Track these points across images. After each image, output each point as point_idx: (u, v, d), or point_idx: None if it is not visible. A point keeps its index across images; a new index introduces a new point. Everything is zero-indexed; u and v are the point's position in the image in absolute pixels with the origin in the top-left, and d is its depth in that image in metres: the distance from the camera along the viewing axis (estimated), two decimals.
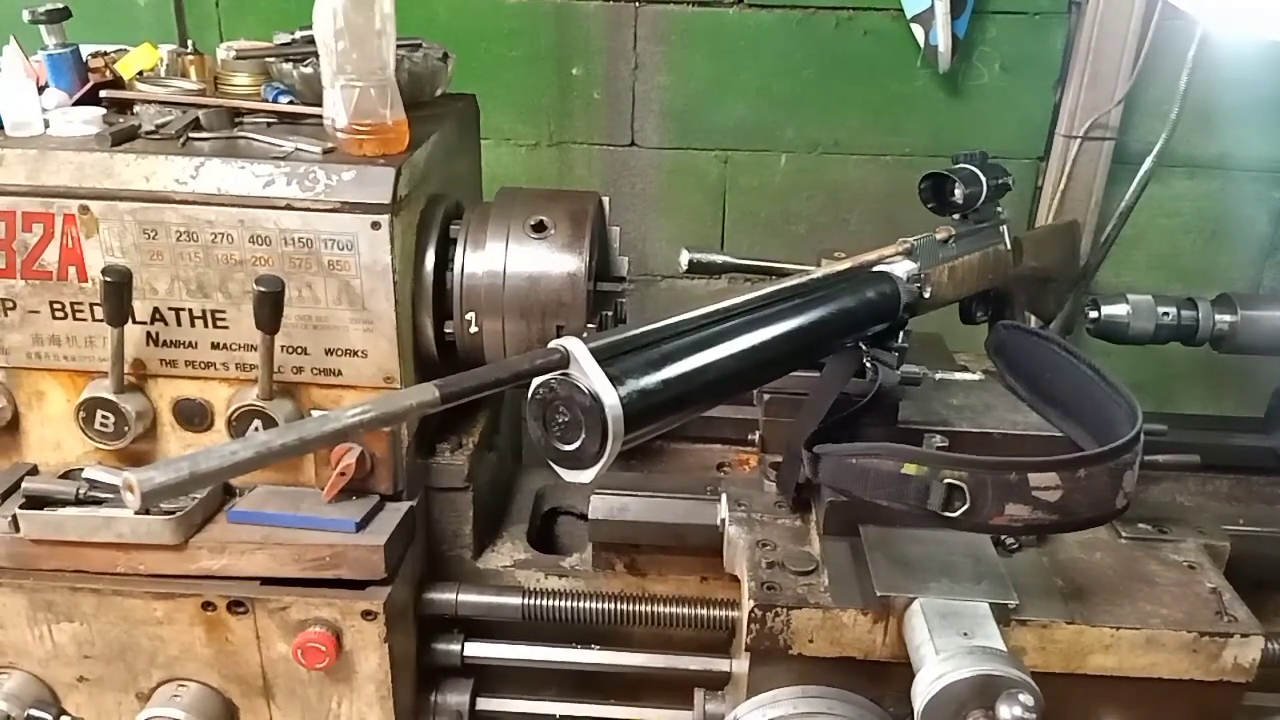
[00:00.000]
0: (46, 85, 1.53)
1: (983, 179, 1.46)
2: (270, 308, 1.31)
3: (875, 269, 1.25)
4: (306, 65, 1.56)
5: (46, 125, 1.43)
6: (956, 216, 1.50)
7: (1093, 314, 1.57)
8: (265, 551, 1.40)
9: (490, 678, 1.66)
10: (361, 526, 1.42)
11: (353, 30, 1.33)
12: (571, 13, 2.26)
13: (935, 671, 1.10)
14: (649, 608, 1.52)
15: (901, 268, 1.27)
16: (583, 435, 0.77)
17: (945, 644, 1.14)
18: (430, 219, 1.48)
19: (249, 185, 1.33)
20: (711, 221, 2.44)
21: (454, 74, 1.75)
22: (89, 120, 1.43)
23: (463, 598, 1.56)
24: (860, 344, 1.27)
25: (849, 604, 1.25)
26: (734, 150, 2.37)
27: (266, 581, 1.42)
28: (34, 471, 1.49)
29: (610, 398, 0.76)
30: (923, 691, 1.10)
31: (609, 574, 1.62)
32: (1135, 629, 1.23)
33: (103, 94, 1.53)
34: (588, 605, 1.54)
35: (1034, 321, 1.82)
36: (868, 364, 1.22)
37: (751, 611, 1.25)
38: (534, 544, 1.73)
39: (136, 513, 1.38)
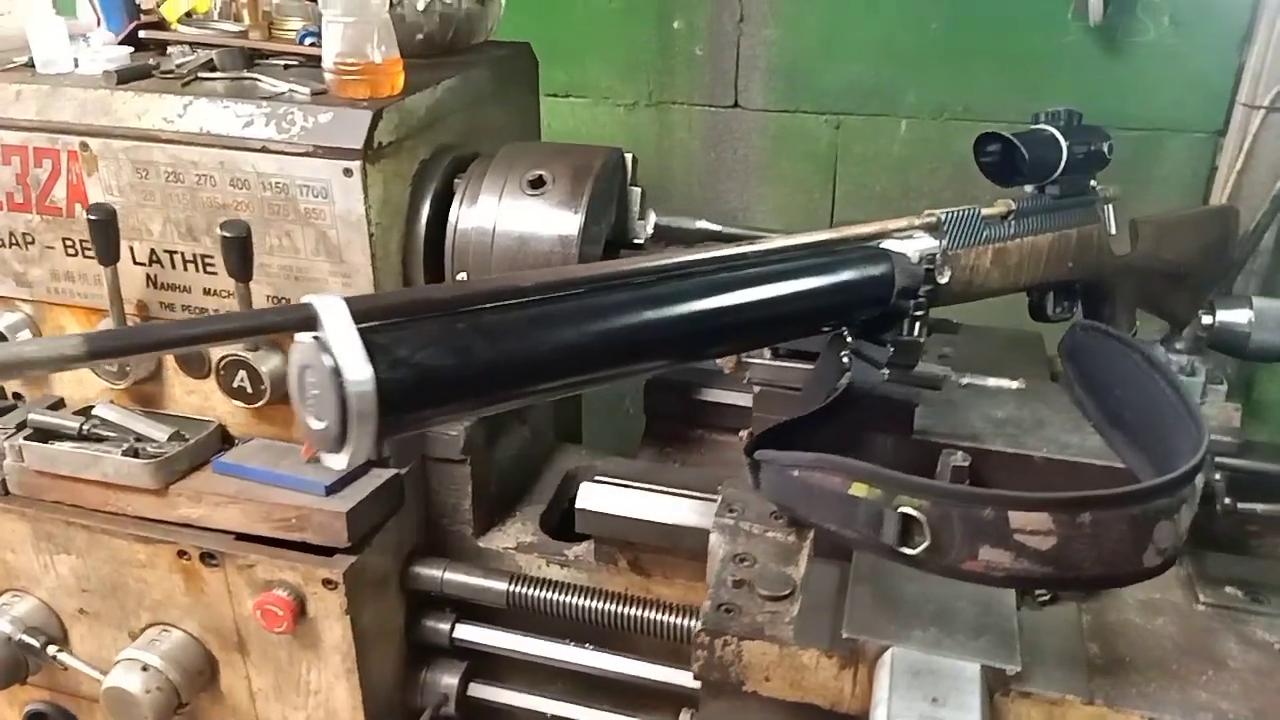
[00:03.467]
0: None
1: (1062, 144, 1.19)
2: (237, 253, 1.26)
3: (876, 244, 1.03)
4: None
5: (76, 64, 1.45)
6: (1030, 189, 1.24)
7: (1206, 319, 1.26)
8: (238, 506, 1.36)
9: (491, 664, 1.57)
10: (332, 490, 1.35)
11: None
12: None
13: None
14: (630, 610, 1.38)
15: (916, 245, 1.05)
16: (330, 413, 0.64)
17: (902, 709, 0.93)
18: (432, 170, 1.38)
19: (229, 125, 1.28)
20: (820, 193, 2.21)
21: (501, 19, 1.65)
22: (113, 59, 1.43)
23: (449, 576, 1.47)
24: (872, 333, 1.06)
25: (811, 642, 1.05)
26: (847, 114, 2.13)
27: (241, 537, 1.38)
28: (60, 404, 1.53)
29: (357, 373, 0.62)
30: None
31: (611, 570, 1.48)
32: None
33: (141, 34, 1.53)
34: (570, 600, 1.41)
35: (1155, 326, 1.50)
36: (844, 357, 1.01)
37: (698, 636, 1.08)
38: (553, 526, 1.62)
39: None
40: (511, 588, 1.45)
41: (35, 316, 1.50)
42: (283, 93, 1.33)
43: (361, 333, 0.64)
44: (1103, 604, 1.11)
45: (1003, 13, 1.96)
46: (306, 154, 1.25)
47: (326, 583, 1.33)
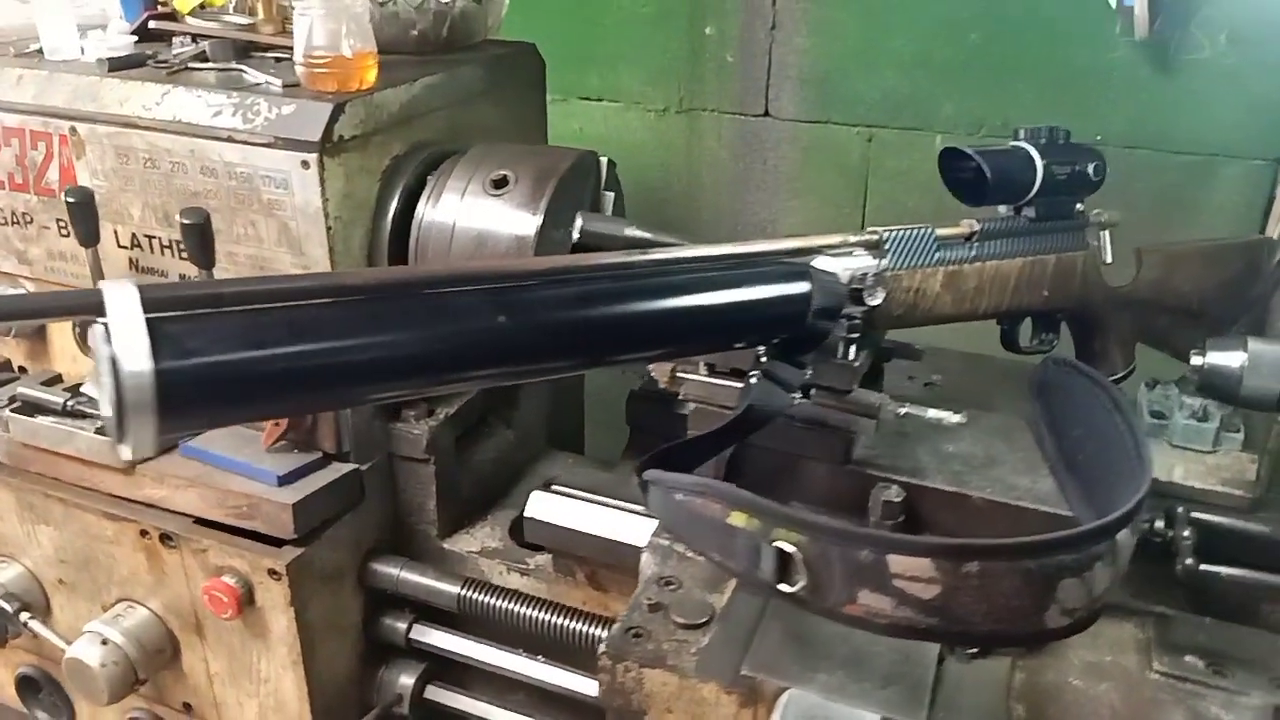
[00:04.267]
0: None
1: (1037, 164, 1.11)
2: (197, 241, 1.27)
3: (805, 259, 0.96)
4: None
5: (83, 52, 1.49)
6: (1005, 210, 1.16)
7: (1196, 360, 1.14)
8: (196, 490, 1.38)
9: (453, 668, 1.55)
10: (285, 481, 1.35)
11: None
12: None
13: None
14: (574, 625, 1.34)
15: (849, 263, 0.98)
16: (112, 403, 0.62)
17: None
18: (405, 166, 1.37)
19: (200, 114, 1.30)
20: (851, 208, 2.13)
21: (503, 18, 1.64)
22: (116, 48, 1.47)
23: (404, 575, 1.46)
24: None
25: (712, 676, 0.99)
26: (880, 127, 2.05)
27: (200, 521, 1.40)
28: (57, 379, 1.58)
29: (135, 363, 0.61)
30: None
31: (569, 583, 1.45)
32: None
33: (151, 25, 1.57)
34: (518, 610, 1.39)
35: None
36: (752, 377, 0.95)
37: (601, 659, 1.04)
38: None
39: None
40: (463, 592, 1.43)
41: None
42: (259, 84, 1.34)
43: (154, 322, 0.63)
44: (1041, 662, 1.02)
45: (1047, 25, 1.86)
46: (268, 145, 1.26)
47: (271, 573, 1.34)
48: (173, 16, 1.60)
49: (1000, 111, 1.95)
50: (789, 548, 0.81)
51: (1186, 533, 1.03)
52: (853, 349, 1.01)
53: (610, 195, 1.39)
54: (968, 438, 1.13)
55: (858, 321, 0.99)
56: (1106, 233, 1.23)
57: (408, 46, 1.53)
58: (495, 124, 1.60)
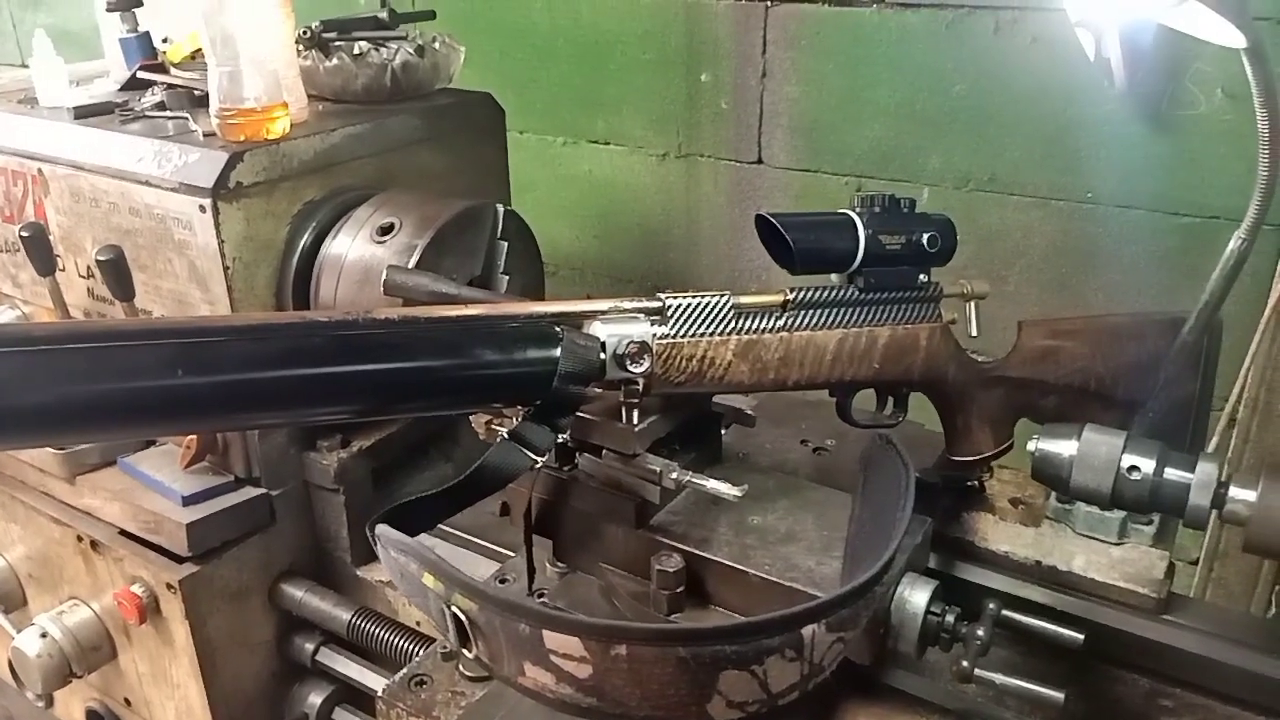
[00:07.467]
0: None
1: (860, 233, 1.07)
2: (113, 275, 1.39)
3: (582, 323, 0.96)
4: (305, 57, 1.62)
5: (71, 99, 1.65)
6: (836, 278, 1.12)
7: (1031, 445, 1.06)
8: (119, 503, 1.50)
9: (369, 694, 1.60)
10: (190, 501, 1.45)
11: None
12: (701, 12, 2.06)
13: None
14: None
15: (623, 329, 0.97)
16: None
17: None
18: (319, 210, 1.45)
19: (127, 160, 1.42)
20: None
21: (459, 69, 1.70)
22: (95, 96, 1.62)
23: (306, 598, 1.53)
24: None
25: None
26: (867, 178, 1.99)
27: (123, 532, 1.51)
28: None
29: None
30: None
31: None
32: None
33: (139, 75, 1.72)
34: (396, 642, 1.43)
35: None
36: (499, 436, 0.96)
37: (379, 701, 1.06)
38: None
39: None
40: (353, 620, 1.48)
41: (28, 314, 1.72)
42: (192, 132, 1.45)
43: None
44: None
45: (1033, 77, 1.76)
46: (174, 189, 1.36)
47: (169, 586, 1.43)
48: (163, 67, 1.75)
49: (987, 166, 1.87)
50: (461, 614, 0.82)
51: (981, 632, 0.96)
52: (635, 413, 1.00)
53: (504, 245, 1.42)
54: (779, 510, 1.09)
55: (635, 387, 0.98)
56: (972, 305, 1.16)
57: (356, 96, 1.62)
58: (439, 170, 1.66)
